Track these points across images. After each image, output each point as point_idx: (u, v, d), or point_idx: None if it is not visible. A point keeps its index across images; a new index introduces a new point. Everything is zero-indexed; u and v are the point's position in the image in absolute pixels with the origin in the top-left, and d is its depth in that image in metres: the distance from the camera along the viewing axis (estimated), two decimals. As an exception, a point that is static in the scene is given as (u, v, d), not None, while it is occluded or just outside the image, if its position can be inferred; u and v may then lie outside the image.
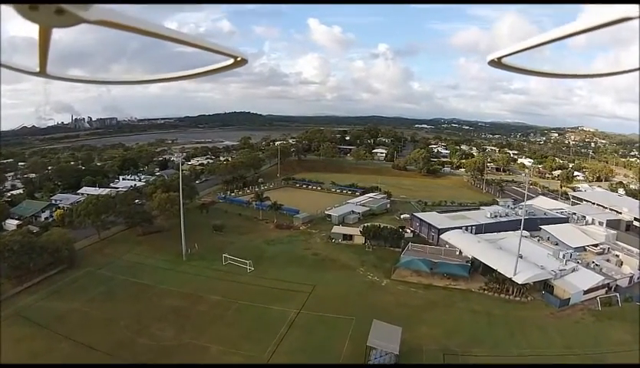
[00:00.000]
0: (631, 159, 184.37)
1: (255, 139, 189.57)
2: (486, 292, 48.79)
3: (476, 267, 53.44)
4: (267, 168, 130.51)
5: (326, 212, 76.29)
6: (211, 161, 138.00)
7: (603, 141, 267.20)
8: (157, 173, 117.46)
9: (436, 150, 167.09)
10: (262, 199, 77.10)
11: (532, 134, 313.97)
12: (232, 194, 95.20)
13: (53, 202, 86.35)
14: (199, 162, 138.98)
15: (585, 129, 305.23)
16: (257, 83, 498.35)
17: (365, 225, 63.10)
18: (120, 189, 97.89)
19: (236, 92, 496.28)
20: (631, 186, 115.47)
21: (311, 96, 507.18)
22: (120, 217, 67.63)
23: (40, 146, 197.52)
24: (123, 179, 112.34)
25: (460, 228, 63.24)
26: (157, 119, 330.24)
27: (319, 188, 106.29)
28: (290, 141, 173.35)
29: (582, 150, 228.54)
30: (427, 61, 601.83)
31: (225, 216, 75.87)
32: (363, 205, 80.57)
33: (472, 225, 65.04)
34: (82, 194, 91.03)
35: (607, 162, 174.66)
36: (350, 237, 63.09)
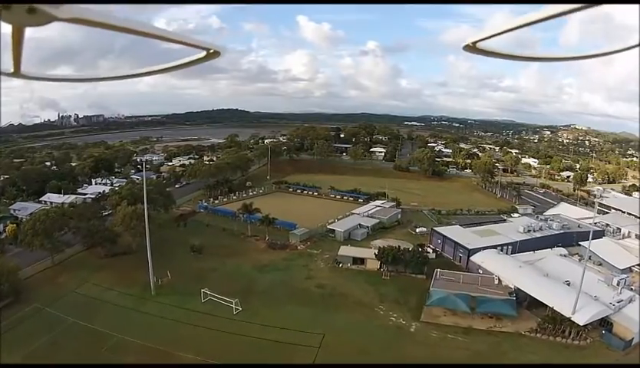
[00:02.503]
0: (633, 159, 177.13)
1: (243, 137, 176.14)
2: (538, 335, 39.60)
3: (521, 300, 43.15)
4: (256, 168, 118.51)
5: (328, 227, 64.57)
6: (194, 161, 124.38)
7: (596, 139, 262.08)
8: (133, 176, 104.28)
9: (437, 149, 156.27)
10: (250, 211, 64.64)
11: (524, 132, 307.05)
12: (216, 201, 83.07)
13: (12, 212, 74.09)
14: (181, 162, 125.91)
15: (577, 127, 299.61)
16: (245, 79, 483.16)
17: (381, 246, 51.31)
18: (87, 196, 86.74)
19: (224, 89, 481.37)
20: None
21: (299, 93, 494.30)
22: (78, 235, 55.50)
23: (22, 144, 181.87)
24: (96, 184, 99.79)
25: (494, 247, 52.52)
26: (144, 116, 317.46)
27: (316, 193, 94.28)
28: (281, 139, 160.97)
29: (579, 149, 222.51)
30: (416, 59, 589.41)
31: (206, 232, 64.05)
32: (371, 217, 68.80)
33: (506, 244, 54.48)
34: (45, 202, 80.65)
35: (609, 162, 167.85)
36: (361, 260, 51.58)
